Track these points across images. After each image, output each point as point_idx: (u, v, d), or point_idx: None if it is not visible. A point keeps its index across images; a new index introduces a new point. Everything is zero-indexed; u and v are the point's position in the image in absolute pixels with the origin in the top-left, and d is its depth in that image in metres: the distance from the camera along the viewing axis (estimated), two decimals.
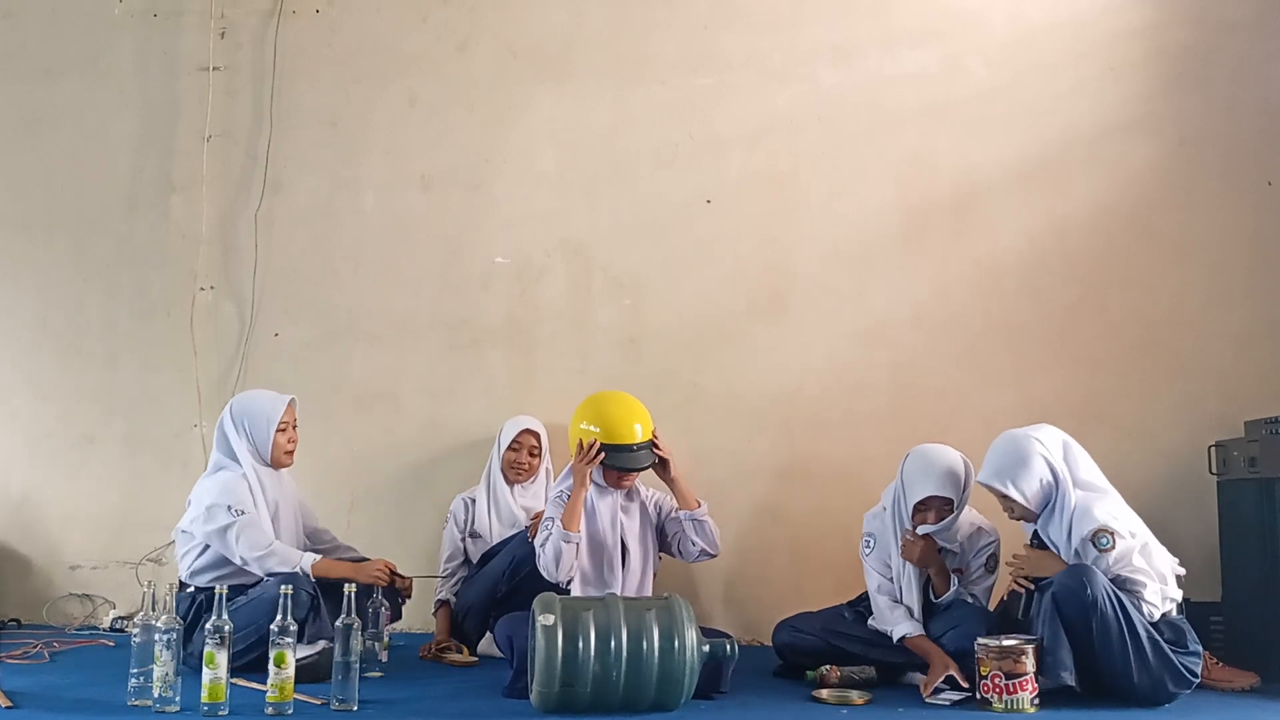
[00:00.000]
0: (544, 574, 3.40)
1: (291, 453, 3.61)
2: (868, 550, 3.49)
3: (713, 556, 3.61)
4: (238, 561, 3.34)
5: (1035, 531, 3.28)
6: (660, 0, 4.56)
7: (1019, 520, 3.30)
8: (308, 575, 3.32)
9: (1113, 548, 3.03)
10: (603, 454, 3.47)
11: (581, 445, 3.50)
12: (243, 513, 3.36)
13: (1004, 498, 3.21)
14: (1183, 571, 3.17)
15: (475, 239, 4.52)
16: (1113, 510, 3.13)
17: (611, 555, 3.49)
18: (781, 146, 4.46)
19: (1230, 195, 4.29)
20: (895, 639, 3.31)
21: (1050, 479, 3.17)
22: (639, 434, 3.54)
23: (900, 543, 3.38)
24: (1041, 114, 4.38)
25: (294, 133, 4.61)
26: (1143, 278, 4.29)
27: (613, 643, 2.77)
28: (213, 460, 3.58)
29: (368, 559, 3.61)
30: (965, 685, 3.08)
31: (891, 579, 3.41)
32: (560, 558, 3.37)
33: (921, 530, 3.33)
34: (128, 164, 4.65)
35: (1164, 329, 4.25)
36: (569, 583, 3.43)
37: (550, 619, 2.79)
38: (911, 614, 3.34)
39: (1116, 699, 3.01)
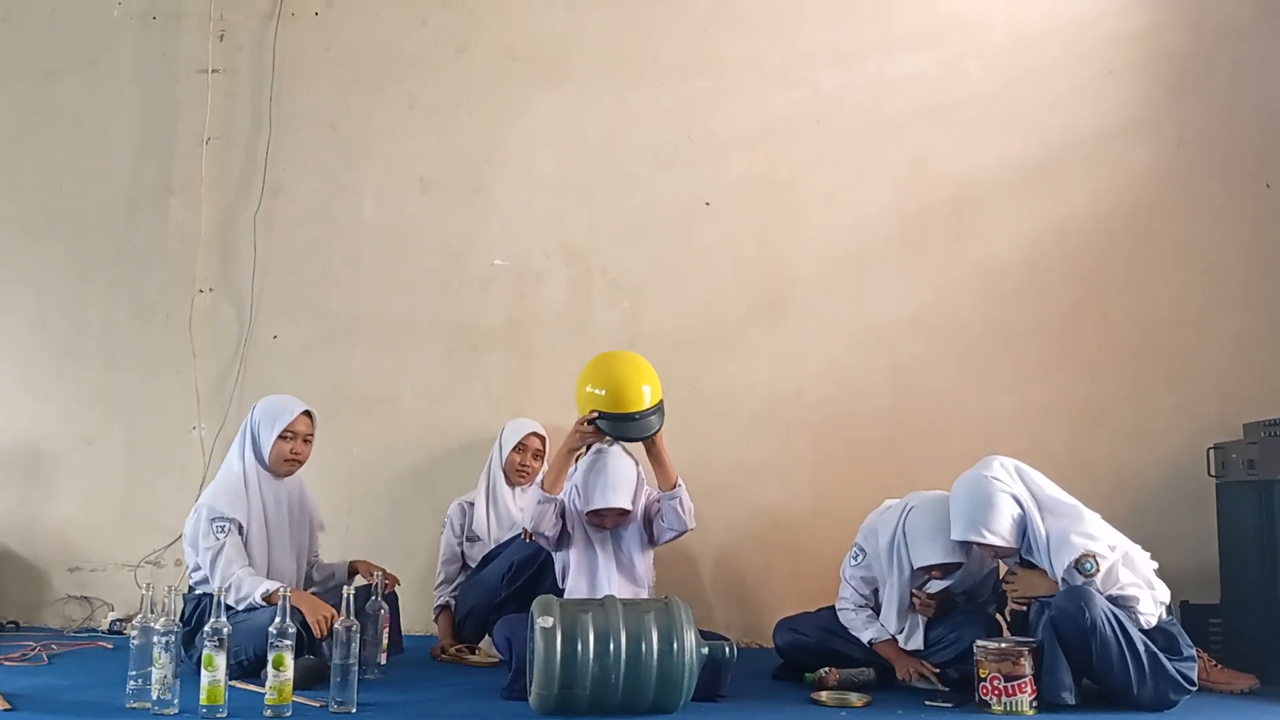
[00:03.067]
0: (529, 528, 3.37)
1: (292, 463, 3.51)
2: (854, 562, 3.43)
3: (682, 534, 3.45)
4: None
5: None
6: (659, 3, 4.56)
7: (1003, 559, 3.27)
8: (263, 606, 3.23)
9: (1098, 570, 3.01)
10: (598, 422, 3.29)
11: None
12: (225, 529, 3.32)
13: (983, 546, 3.17)
14: (1156, 565, 3.15)
15: (474, 242, 4.53)
16: (1086, 529, 3.09)
17: (608, 570, 3.39)
18: (781, 149, 4.46)
19: (1229, 198, 4.29)
20: (866, 642, 3.35)
21: (1019, 511, 3.14)
22: (647, 398, 3.33)
23: (913, 603, 3.32)
24: (1041, 117, 4.38)
25: (293, 135, 4.61)
26: (1142, 280, 4.29)
27: (612, 645, 2.77)
28: (227, 456, 3.57)
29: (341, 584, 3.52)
30: (935, 682, 3.17)
31: (866, 597, 3.41)
32: (539, 518, 3.32)
33: (934, 589, 3.30)
34: (127, 166, 4.65)
35: (1163, 331, 4.26)
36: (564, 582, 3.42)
37: (549, 621, 2.78)
38: (876, 619, 3.37)
39: (1118, 707, 3.01)
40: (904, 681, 3.23)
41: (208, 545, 3.32)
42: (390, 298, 4.52)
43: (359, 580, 3.54)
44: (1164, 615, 3.09)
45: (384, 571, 3.51)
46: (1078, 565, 3.02)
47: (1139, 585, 3.04)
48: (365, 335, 4.51)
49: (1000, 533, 3.11)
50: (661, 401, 3.38)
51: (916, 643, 3.31)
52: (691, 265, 4.45)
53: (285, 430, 3.47)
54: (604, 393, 3.31)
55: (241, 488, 3.43)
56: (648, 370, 3.42)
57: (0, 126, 4.71)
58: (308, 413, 3.54)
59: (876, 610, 3.41)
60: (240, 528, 3.38)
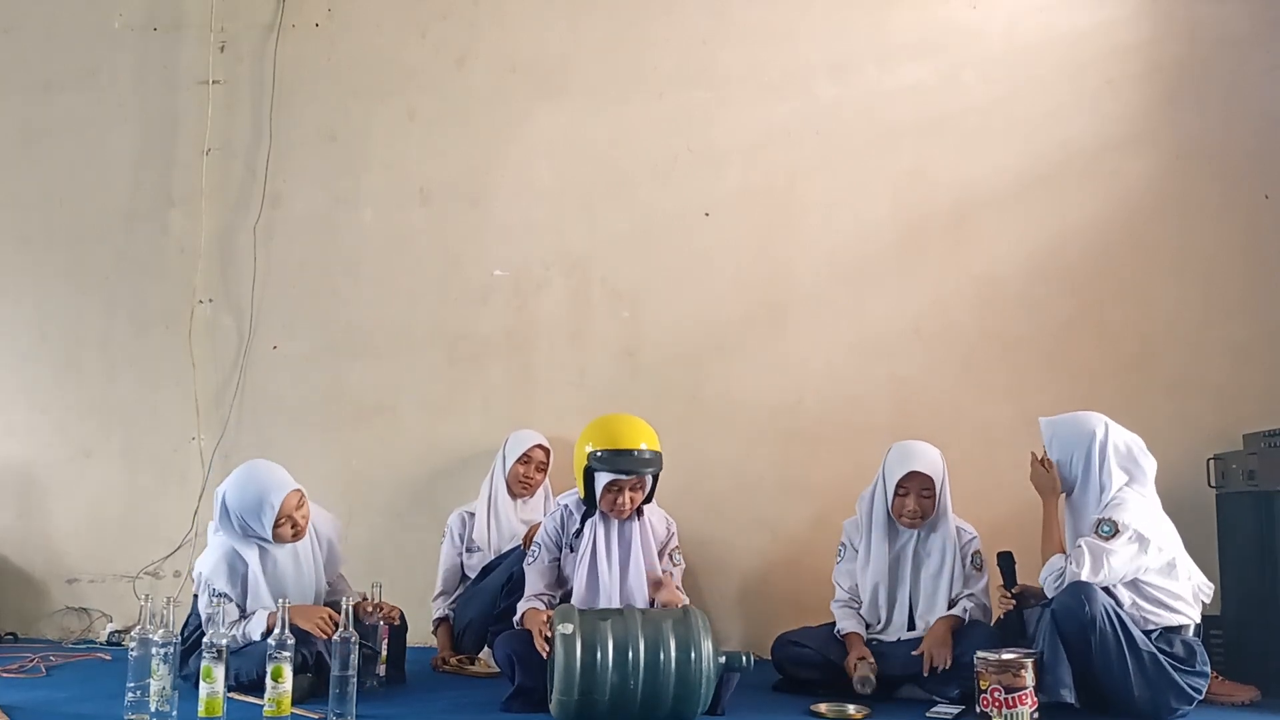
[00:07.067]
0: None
1: (300, 531, 3.31)
2: (839, 560, 3.61)
3: None
4: None
5: (1001, 553, 3.38)
6: (659, 15, 4.58)
7: (1043, 494, 3.32)
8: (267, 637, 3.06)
9: (1115, 536, 3.05)
10: (594, 455, 3.25)
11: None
12: (218, 596, 3.15)
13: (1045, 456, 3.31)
14: (1207, 599, 3.19)
15: (474, 252, 4.53)
16: (1141, 514, 3.13)
17: (610, 590, 3.32)
18: (779, 160, 4.47)
19: (1227, 208, 4.29)
20: (835, 632, 3.47)
21: (1086, 459, 3.22)
22: (643, 448, 3.30)
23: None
24: (1038, 128, 4.39)
25: (293, 146, 4.62)
26: (1140, 291, 4.29)
27: (630, 653, 2.80)
28: (212, 521, 3.38)
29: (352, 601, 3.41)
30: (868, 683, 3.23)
31: (850, 591, 3.54)
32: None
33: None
34: (127, 177, 4.66)
35: (1161, 342, 4.26)
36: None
37: (569, 628, 2.82)
38: (859, 614, 3.50)
39: (1117, 713, 3.01)
40: (849, 671, 3.29)
41: (204, 605, 3.23)
42: (390, 308, 4.52)
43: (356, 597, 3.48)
44: (1189, 634, 3.11)
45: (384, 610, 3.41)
46: (1097, 525, 3.08)
47: (1155, 571, 3.08)
48: (365, 346, 4.51)
49: (1054, 444, 3.29)
50: (660, 455, 3.33)
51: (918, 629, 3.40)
52: (691, 275, 4.45)
53: (278, 518, 3.25)
54: (600, 440, 3.27)
55: (235, 559, 3.27)
56: (645, 427, 3.37)
57: (0, 137, 4.72)
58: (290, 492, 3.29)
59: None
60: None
